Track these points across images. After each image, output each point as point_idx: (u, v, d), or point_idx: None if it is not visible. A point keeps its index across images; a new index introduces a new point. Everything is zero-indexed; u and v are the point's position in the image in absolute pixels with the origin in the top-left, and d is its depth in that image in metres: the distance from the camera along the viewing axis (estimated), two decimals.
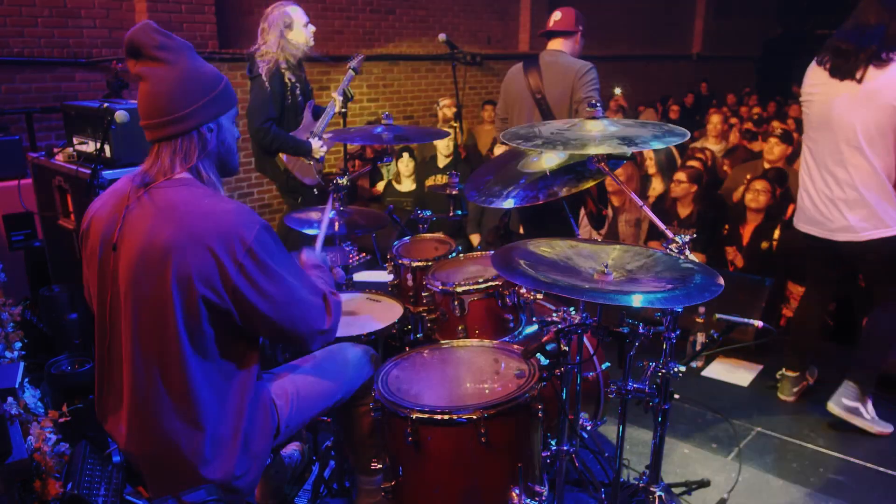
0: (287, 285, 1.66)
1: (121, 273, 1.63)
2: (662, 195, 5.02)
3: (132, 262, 1.61)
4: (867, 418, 3.10)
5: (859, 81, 2.81)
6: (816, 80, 2.99)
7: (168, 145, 1.65)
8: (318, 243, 2.27)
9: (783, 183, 4.61)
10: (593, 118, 2.16)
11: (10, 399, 1.93)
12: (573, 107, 3.53)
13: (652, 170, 5.40)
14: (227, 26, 5.90)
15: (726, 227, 4.47)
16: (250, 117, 3.79)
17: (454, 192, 3.16)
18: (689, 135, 2.01)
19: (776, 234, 4.27)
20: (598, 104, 2.21)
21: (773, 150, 5.09)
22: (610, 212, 4.96)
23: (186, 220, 1.58)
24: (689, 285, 1.76)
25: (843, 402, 3.11)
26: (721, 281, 1.78)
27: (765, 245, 4.27)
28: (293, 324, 1.70)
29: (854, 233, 2.93)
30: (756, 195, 4.25)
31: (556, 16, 3.67)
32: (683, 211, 4.54)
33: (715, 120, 6.87)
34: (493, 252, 2.15)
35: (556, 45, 3.67)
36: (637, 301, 1.67)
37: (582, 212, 4.34)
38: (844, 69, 2.85)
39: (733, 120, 7.45)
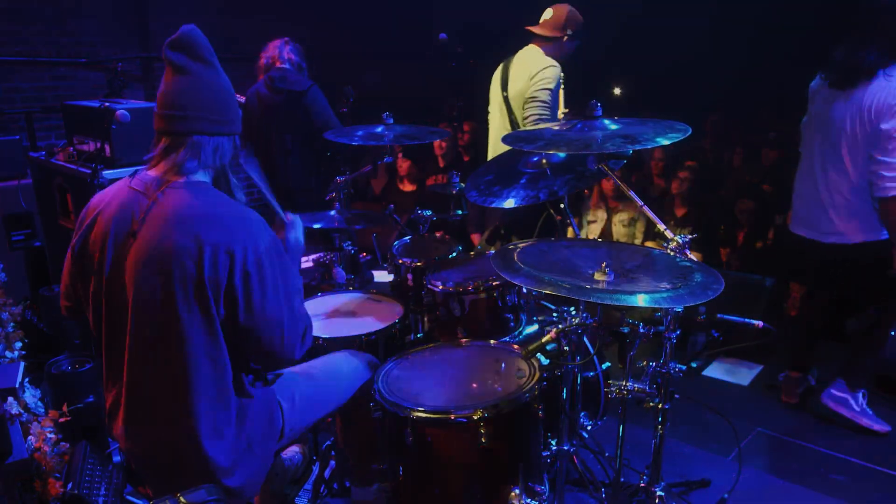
0: (276, 307, 1.64)
1: (129, 268, 1.63)
2: (659, 196, 5.03)
3: (140, 258, 1.60)
4: (856, 410, 3.14)
5: (851, 92, 2.88)
6: (818, 90, 3.07)
7: (209, 141, 1.67)
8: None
9: (777, 182, 4.62)
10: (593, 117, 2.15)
11: (10, 399, 1.93)
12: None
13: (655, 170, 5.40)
14: (227, 27, 5.90)
15: (722, 227, 4.49)
16: None
17: (454, 192, 3.17)
18: (690, 130, 2.00)
19: (770, 234, 4.30)
20: (595, 105, 2.19)
21: (768, 154, 5.11)
22: (604, 213, 4.97)
23: (201, 225, 1.58)
24: (690, 284, 1.75)
25: (832, 392, 3.18)
26: (721, 278, 1.78)
27: (759, 244, 4.29)
28: (266, 344, 1.67)
29: (842, 236, 2.99)
30: (745, 217, 4.33)
31: (546, 14, 3.54)
32: (679, 211, 4.55)
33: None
34: (492, 252, 2.16)
35: (536, 43, 3.57)
36: (641, 301, 1.67)
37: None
38: (840, 81, 2.92)
39: None
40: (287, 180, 3.93)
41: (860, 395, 3.16)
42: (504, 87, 3.59)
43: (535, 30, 3.55)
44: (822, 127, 3.00)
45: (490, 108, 3.84)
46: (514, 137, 2.17)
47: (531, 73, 3.45)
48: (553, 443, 2.12)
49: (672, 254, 1.98)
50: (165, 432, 1.65)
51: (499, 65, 3.72)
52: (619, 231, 4.86)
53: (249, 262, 1.59)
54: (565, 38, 3.52)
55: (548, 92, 3.41)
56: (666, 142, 1.94)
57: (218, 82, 1.70)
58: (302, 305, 1.78)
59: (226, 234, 1.57)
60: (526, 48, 3.61)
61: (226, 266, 1.57)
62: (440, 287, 2.40)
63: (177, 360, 1.60)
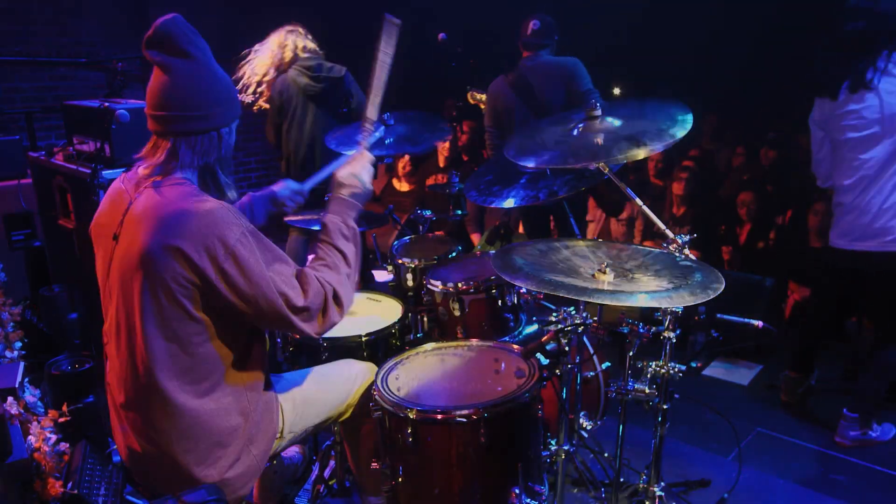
0: (269, 290, 1.58)
1: (113, 272, 1.64)
2: (657, 196, 5.04)
3: (120, 264, 1.61)
4: (875, 436, 3.06)
5: (870, 86, 2.80)
6: (828, 118, 2.97)
7: (186, 141, 1.62)
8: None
9: (776, 182, 4.61)
10: (594, 116, 2.15)
11: (10, 399, 1.92)
12: (573, 102, 3.51)
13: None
14: (228, 26, 5.90)
15: (722, 227, 4.49)
16: None
17: (454, 192, 3.17)
18: (691, 115, 2.01)
19: (771, 234, 4.30)
20: (595, 105, 2.19)
21: (767, 154, 5.11)
22: (602, 213, 4.98)
23: (168, 228, 1.53)
24: (690, 283, 1.76)
25: (851, 436, 3.06)
26: (721, 277, 1.78)
27: (760, 245, 4.29)
28: (281, 324, 1.68)
29: None
30: (747, 208, 4.32)
31: (534, 25, 3.68)
32: (678, 210, 4.56)
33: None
34: (493, 252, 2.16)
35: (531, 51, 3.69)
36: (642, 301, 1.67)
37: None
38: (854, 84, 2.84)
39: None
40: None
41: (873, 421, 3.08)
42: (526, 98, 3.61)
43: (538, 38, 3.66)
44: (868, 138, 2.86)
45: (495, 122, 3.83)
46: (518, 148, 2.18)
47: (567, 73, 3.55)
48: (553, 443, 2.12)
49: (672, 251, 1.98)
50: (158, 433, 1.65)
51: (492, 79, 3.80)
52: (616, 230, 4.87)
53: (220, 258, 1.53)
54: (555, 42, 3.70)
55: (591, 83, 3.56)
56: (670, 137, 1.94)
57: (198, 75, 1.61)
58: (316, 275, 1.68)
59: (193, 235, 1.52)
60: (529, 56, 3.69)
61: (197, 266, 1.52)
62: (440, 287, 2.40)
63: (150, 364, 1.59)
